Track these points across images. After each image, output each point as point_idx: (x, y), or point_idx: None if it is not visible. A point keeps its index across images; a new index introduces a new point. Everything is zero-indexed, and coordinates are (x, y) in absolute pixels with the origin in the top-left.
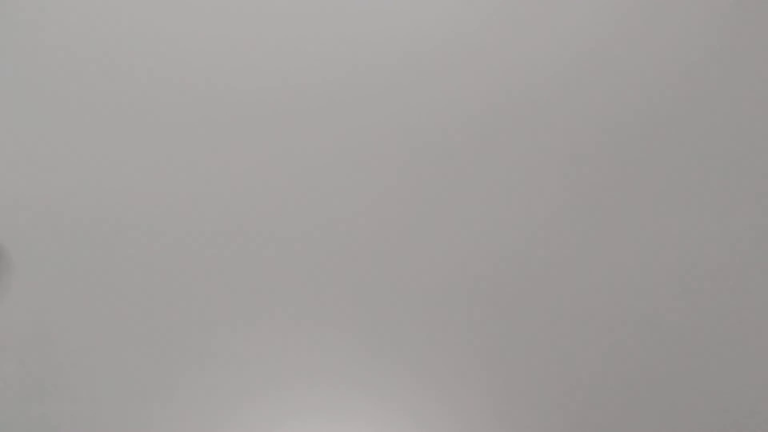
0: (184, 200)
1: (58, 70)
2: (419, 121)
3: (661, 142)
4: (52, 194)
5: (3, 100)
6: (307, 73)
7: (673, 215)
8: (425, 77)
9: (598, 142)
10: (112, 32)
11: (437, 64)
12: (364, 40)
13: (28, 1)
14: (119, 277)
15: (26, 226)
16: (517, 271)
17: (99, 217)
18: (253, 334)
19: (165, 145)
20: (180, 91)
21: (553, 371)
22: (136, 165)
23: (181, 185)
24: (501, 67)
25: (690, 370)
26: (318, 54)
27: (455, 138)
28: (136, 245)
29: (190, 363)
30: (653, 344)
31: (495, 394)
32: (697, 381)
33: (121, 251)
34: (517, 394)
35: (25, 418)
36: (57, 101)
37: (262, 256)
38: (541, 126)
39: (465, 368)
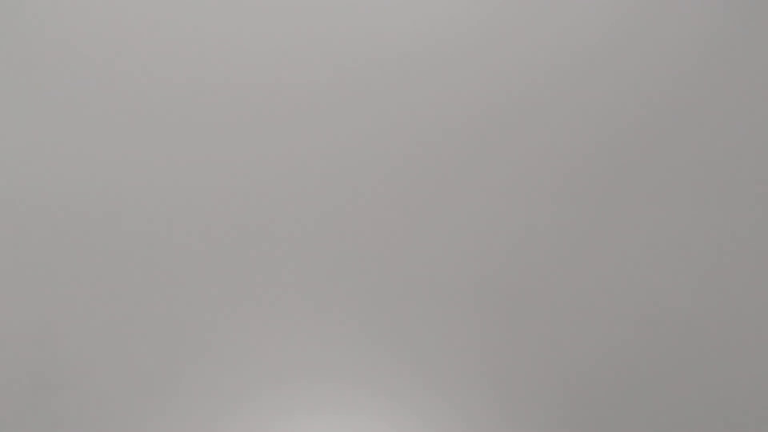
0: (184, 197)
1: (55, 71)
2: (422, 119)
3: (660, 141)
4: (54, 192)
5: (4, 100)
6: (307, 72)
7: (673, 214)
8: (427, 76)
9: (597, 140)
10: (110, 30)
11: (438, 62)
12: (364, 39)
13: (28, 0)
14: (121, 275)
15: (28, 223)
16: (519, 269)
17: (101, 215)
18: (255, 330)
19: (166, 142)
20: (181, 89)
21: (555, 368)
22: (137, 163)
23: (182, 182)
24: (501, 65)
25: (691, 368)
26: (318, 53)
27: (458, 136)
28: (138, 243)
29: (192, 359)
30: (655, 342)
31: (498, 391)
32: (699, 378)
33: (122, 249)
34: (520, 391)
35: (29, 414)
36: (57, 100)
37: (264, 252)
38: (541, 125)
39: (467, 364)
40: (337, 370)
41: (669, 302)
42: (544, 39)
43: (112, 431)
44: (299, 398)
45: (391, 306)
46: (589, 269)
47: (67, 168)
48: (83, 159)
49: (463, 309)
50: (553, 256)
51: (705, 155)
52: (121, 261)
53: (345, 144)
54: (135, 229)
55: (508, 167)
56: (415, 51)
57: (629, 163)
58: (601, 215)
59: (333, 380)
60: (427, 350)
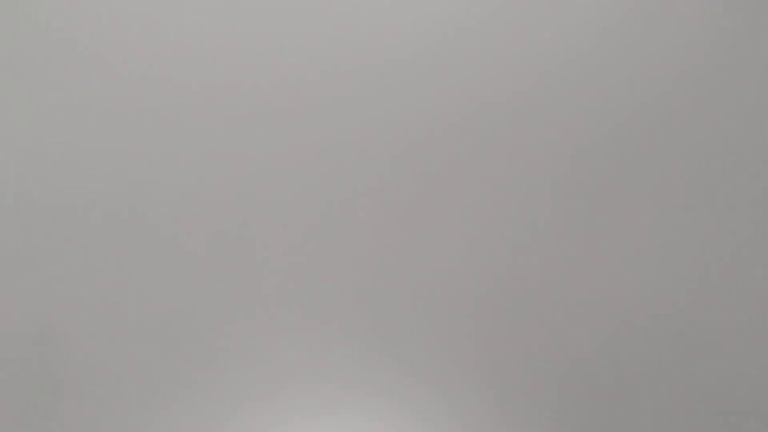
0: (186, 200)
1: (56, 72)
2: (420, 120)
3: (659, 142)
4: (54, 193)
5: (4, 99)
6: (306, 72)
7: (671, 215)
8: (424, 76)
9: (596, 142)
10: (109, 30)
11: (435, 63)
12: (363, 40)
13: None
14: (122, 276)
15: (29, 223)
16: (517, 270)
17: (102, 217)
18: (256, 334)
19: (167, 144)
20: (181, 91)
21: (553, 368)
22: (139, 164)
23: (185, 184)
24: (499, 66)
25: (690, 368)
26: (316, 55)
27: (456, 137)
28: (139, 245)
29: (193, 362)
30: (653, 342)
31: (497, 392)
32: (697, 378)
33: (123, 250)
34: (518, 392)
35: (29, 414)
36: (58, 100)
37: (265, 256)
38: (540, 126)
39: (468, 367)
40: (336, 371)
41: (667, 303)
42: (542, 40)
43: None
44: (299, 400)
45: (390, 308)
46: (586, 270)
47: (68, 168)
48: (84, 159)
49: (461, 310)
50: (551, 257)
51: (703, 156)
52: (122, 262)
53: (343, 147)
54: (136, 232)
55: (505, 169)
56: (413, 51)
57: (627, 165)
58: (599, 217)
59: (332, 382)
60: (425, 352)
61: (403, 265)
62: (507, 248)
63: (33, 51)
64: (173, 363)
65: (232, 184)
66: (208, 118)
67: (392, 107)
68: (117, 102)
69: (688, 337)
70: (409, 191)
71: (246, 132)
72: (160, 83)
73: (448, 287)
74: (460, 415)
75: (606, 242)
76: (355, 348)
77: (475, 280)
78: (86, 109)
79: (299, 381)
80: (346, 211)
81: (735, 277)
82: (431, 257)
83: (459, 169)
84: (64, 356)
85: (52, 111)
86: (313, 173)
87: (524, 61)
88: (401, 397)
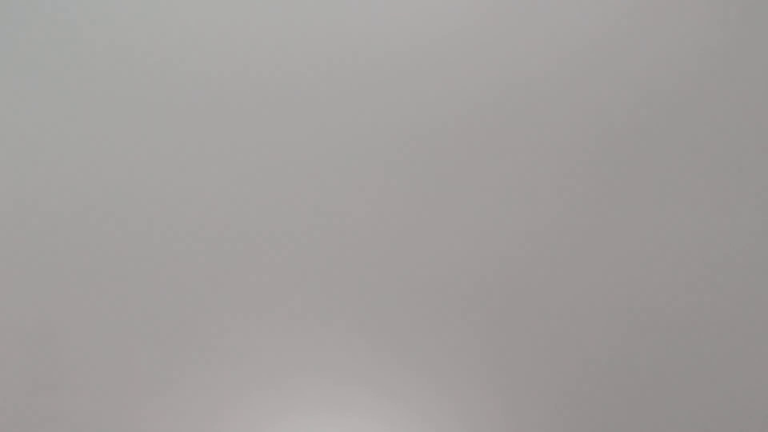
0: (186, 197)
1: (55, 73)
2: (421, 118)
3: (661, 141)
4: (54, 193)
5: (2, 96)
6: (307, 70)
7: (673, 215)
8: (426, 73)
9: (597, 140)
10: (107, 27)
11: (437, 59)
12: (365, 35)
13: None
14: (121, 275)
15: (29, 224)
16: (519, 269)
17: (102, 214)
18: (255, 330)
19: (167, 144)
20: (180, 91)
21: (555, 368)
22: (139, 164)
23: (184, 182)
24: (501, 64)
25: (692, 369)
26: (318, 50)
27: (458, 136)
28: (139, 242)
29: (192, 358)
30: (655, 342)
31: (498, 391)
32: (700, 379)
33: (122, 249)
34: (520, 391)
35: (29, 413)
36: (59, 101)
37: (265, 252)
38: (541, 124)
39: (468, 365)
40: (336, 369)
41: (669, 303)
42: (545, 37)
43: (111, 431)
44: (298, 397)
45: (391, 306)
46: (589, 270)
47: (68, 168)
48: (84, 159)
49: (463, 309)
50: (553, 256)
51: (706, 156)
52: (121, 261)
53: (345, 145)
54: (135, 230)
55: (508, 167)
56: (416, 47)
57: (629, 164)
58: (601, 216)
59: (332, 380)
60: (426, 350)
61: (406, 262)
62: (510, 248)
63: (31, 50)
64: (173, 361)
65: (232, 182)
66: (210, 119)
67: (394, 104)
68: (118, 102)
69: (693, 336)
70: (413, 188)
71: (245, 131)
72: (161, 83)
73: (451, 286)
74: (463, 415)
75: (611, 242)
76: (356, 345)
77: (479, 279)
78: (86, 109)
79: (299, 378)
80: (346, 210)
81: (741, 276)
82: (434, 254)
83: (464, 165)
84: (64, 356)
85: (52, 110)
86: (315, 170)
87: (527, 60)
88: (403, 395)
